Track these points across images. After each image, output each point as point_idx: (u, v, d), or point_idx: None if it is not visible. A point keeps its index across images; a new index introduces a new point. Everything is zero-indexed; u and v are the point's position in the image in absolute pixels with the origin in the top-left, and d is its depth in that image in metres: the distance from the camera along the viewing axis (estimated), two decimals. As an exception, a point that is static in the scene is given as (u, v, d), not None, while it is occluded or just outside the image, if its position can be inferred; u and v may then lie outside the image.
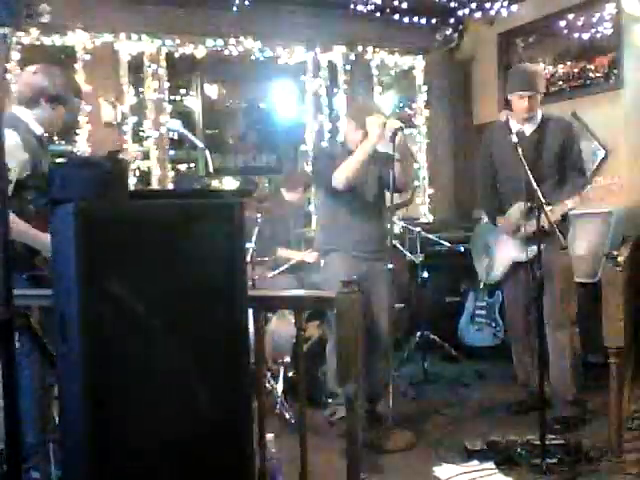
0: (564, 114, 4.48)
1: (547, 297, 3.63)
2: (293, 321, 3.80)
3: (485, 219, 4.97)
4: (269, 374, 4.15)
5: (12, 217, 1.99)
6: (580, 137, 3.85)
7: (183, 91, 6.21)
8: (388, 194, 3.72)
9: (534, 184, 3.19)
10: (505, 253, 3.88)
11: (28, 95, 3.03)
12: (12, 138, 2.85)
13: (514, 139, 3.31)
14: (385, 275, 3.60)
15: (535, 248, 3.35)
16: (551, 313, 3.64)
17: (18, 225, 2.75)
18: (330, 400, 3.87)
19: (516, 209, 3.70)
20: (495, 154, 3.89)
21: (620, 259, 3.02)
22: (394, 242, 4.22)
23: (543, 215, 3.18)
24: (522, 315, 3.89)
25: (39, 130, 3.06)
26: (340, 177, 3.56)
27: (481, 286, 4.25)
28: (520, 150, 3.25)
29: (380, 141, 3.55)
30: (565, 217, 3.66)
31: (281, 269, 4.51)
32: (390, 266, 3.55)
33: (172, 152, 5.47)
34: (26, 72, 3.12)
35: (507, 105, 3.94)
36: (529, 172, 3.23)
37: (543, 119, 3.77)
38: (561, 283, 3.69)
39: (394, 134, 3.49)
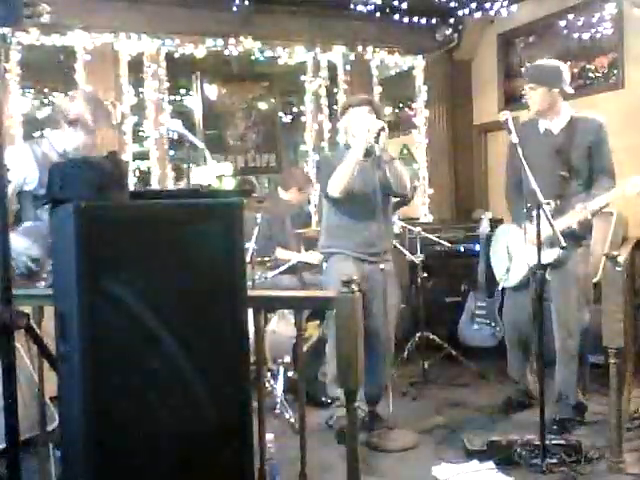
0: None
1: (561, 302, 3.59)
2: (293, 321, 3.80)
3: (486, 220, 4.96)
4: (269, 374, 4.15)
5: None
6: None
7: (183, 91, 6.21)
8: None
9: (534, 185, 3.15)
10: (525, 256, 3.69)
11: (53, 117, 3.21)
12: (21, 152, 3.05)
13: (514, 139, 3.30)
14: (388, 276, 3.58)
15: (555, 251, 3.33)
16: (563, 319, 3.59)
17: None
18: (330, 402, 3.86)
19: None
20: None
21: (620, 259, 3.02)
22: (394, 242, 4.21)
23: (566, 216, 3.23)
24: (528, 319, 3.71)
25: (61, 148, 3.16)
26: (333, 187, 3.54)
27: (499, 287, 4.14)
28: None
29: (366, 144, 3.48)
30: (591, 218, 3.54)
31: (281, 269, 4.51)
32: (385, 266, 3.54)
33: (172, 152, 5.47)
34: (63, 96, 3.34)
35: (507, 105, 3.93)
36: (529, 173, 3.19)
37: (572, 118, 3.67)
38: (577, 289, 3.60)
39: (377, 135, 3.45)
